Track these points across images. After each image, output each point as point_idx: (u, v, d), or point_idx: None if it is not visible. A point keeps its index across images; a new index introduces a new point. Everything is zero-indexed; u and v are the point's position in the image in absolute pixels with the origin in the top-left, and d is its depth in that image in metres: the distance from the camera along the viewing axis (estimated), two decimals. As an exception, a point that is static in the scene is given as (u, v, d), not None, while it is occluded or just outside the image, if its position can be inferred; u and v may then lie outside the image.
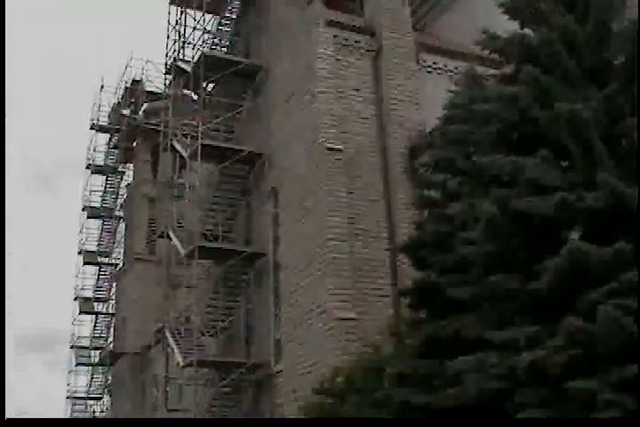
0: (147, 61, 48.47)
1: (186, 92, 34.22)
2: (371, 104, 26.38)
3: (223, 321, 29.17)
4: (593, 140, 14.82)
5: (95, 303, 51.21)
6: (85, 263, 50.85)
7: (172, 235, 31.36)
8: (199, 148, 29.03)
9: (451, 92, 19.30)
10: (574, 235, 15.20)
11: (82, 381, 50.66)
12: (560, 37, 15.74)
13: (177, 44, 33.40)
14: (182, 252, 29.55)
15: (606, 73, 16.04)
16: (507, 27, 17.90)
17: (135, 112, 49.67)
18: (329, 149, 24.34)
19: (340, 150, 24.50)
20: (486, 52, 18.20)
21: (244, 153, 29.40)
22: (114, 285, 51.11)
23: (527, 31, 17.06)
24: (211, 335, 29.23)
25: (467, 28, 29.45)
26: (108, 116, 50.88)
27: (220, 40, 34.25)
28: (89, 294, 51.01)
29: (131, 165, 51.33)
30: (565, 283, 14.09)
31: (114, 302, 50.86)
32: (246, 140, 30.66)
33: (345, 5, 34.02)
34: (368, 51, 27.39)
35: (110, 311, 51.02)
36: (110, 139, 51.14)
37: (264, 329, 27.86)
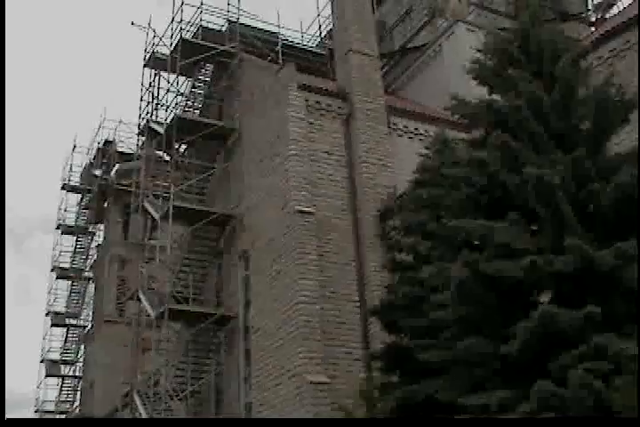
0: (120, 122, 48.69)
1: (158, 153, 34.37)
2: (342, 167, 26.63)
3: (193, 384, 28.78)
4: (561, 204, 15.02)
5: (62, 366, 50.36)
6: (53, 325, 50.17)
7: (141, 297, 31.09)
8: (170, 209, 29.02)
9: (421, 155, 19.59)
10: (544, 298, 15.33)
11: (47, 447, 49.44)
12: (527, 104, 16.08)
13: (150, 105, 33.69)
14: (152, 314, 29.27)
15: (573, 138, 16.37)
16: (476, 91, 18.31)
17: (107, 173, 49.67)
18: (300, 211, 24.44)
19: (310, 213, 24.59)
20: (456, 116, 18.56)
21: (215, 215, 29.41)
22: (82, 347, 50.37)
23: (496, 97, 17.43)
24: (180, 399, 28.78)
25: (438, 92, 30.06)
26: (80, 177, 50.86)
27: (193, 102, 34.53)
28: (56, 356, 50.21)
29: (101, 226, 51.08)
30: (536, 347, 14.13)
31: (81, 364, 50.04)
32: (218, 202, 30.74)
33: (317, 69, 34.62)
34: (340, 114, 27.75)
35: (77, 374, 50.15)
36: (81, 199, 51.03)
37: (234, 393, 27.51)
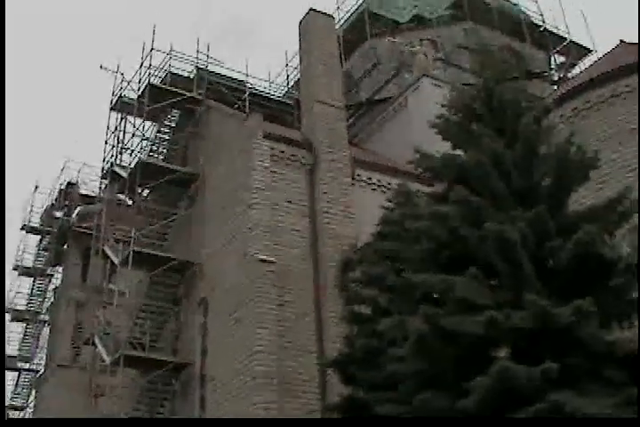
0: (83, 164, 48.36)
1: (121, 196, 34.17)
2: (304, 217, 26.64)
3: (146, 433, 28.21)
4: (521, 260, 15.13)
5: (11, 412, 49.17)
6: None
7: (97, 342, 30.60)
8: (131, 254, 28.76)
9: (384, 208, 19.65)
10: (502, 353, 15.31)
11: None
12: (490, 160, 16.27)
13: (115, 149, 33.57)
14: (107, 360, 28.79)
15: (534, 195, 16.56)
16: (440, 146, 18.50)
17: (68, 215, 49.20)
18: (260, 260, 24.34)
19: (271, 262, 24.50)
20: (419, 170, 18.69)
21: (175, 261, 29.17)
22: (33, 392, 49.28)
23: (459, 152, 17.62)
24: (132, 448, 28.20)
25: (402, 145, 30.27)
26: (41, 218, 50.31)
27: (157, 147, 34.49)
28: (5, 401, 49.03)
29: (60, 268, 50.44)
30: (494, 402, 14.07)
31: (32, 410, 48.91)
32: (179, 249, 30.50)
33: (283, 119, 34.82)
34: (304, 164, 27.86)
35: (27, 420, 48.98)
36: (41, 241, 50.39)
37: (188, 443, 27.01)
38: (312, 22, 32.43)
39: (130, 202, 33.83)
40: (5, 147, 30.50)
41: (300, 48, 33.21)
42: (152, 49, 33.46)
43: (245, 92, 33.69)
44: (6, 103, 32.38)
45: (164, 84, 32.63)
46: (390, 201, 20.14)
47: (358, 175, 28.72)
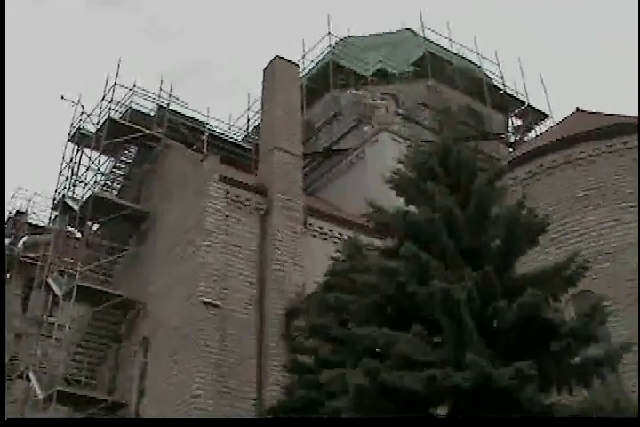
0: (35, 193, 47.79)
1: (70, 229, 33.75)
2: (253, 262, 26.54)
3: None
4: (465, 319, 15.12)
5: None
6: None
7: (31, 376, 29.90)
8: (75, 288, 28.32)
9: (333, 259, 19.62)
10: (442, 411, 15.25)
11: None
12: (442, 218, 16.35)
13: (68, 180, 33.24)
14: (40, 395, 28.12)
15: (482, 255, 16.63)
16: (394, 200, 18.59)
17: (14, 243, 48.43)
18: (205, 303, 24.12)
19: (216, 306, 24.29)
20: (372, 223, 18.74)
21: (119, 298, 28.78)
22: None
23: (412, 208, 17.70)
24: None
25: (356, 197, 30.36)
26: (-14, 246, 49.44)
27: (112, 182, 34.27)
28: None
29: (1, 298, 49.43)
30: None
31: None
32: (124, 286, 30.11)
33: (240, 163, 34.87)
34: (257, 209, 27.85)
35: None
36: (-17, 268, 49.46)
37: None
38: (277, 69, 32.71)
39: (79, 235, 33.38)
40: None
41: (262, 93, 33.42)
42: (115, 83, 33.47)
43: (205, 134, 33.72)
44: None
45: (124, 120, 32.53)
46: (340, 252, 20.13)
47: (310, 224, 28.75)
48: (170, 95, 34.46)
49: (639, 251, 21.75)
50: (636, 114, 26.96)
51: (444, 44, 45.43)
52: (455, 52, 45.25)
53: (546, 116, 44.06)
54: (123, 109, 33.59)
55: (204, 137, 33.35)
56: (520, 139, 43.30)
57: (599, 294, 19.52)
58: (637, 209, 22.70)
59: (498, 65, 45.66)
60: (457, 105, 39.94)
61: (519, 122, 45.02)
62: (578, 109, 29.67)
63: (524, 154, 26.38)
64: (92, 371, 29.31)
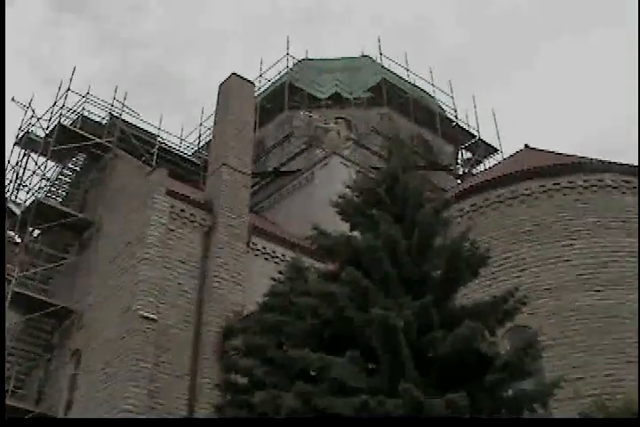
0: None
1: (10, 233, 33.19)
2: (193, 278, 26.34)
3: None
4: (401, 347, 15.17)
5: None
6: None
7: (-44, 383, 29.22)
8: (9, 294, 27.77)
9: (274, 279, 19.58)
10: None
11: None
12: (385, 245, 16.42)
13: (12, 184, 32.75)
14: (-37, 403, 27.45)
15: (423, 285, 16.73)
16: (340, 224, 18.63)
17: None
18: (142, 317, 23.83)
19: (153, 320, 24.00)
20: (315, 246, 18.74)
21: (55, 307, 28.30)
22: None
23: (356, 234, 17.76)
24: None
25: (302, 219, 30.43)
26: None
27: (57, 189, 33.83)
28: None
29: None
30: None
31: None
32: (61, 295, 29.65)
33: (188, 177, 34.72)
34: (202, 225, 27.70)
35: None
36: None
37: None
38: (232, 86, 32.72)
39: (18, 240, 32.82)
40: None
41: (216, 109, 33.36)
42: (68, 89, 33.15)
43: (155, 146, 33.54)
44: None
45: (75, 127, 32.19)
46: (281, 273, 20.11)
47: (254, 243, 28.68)
48: (123, 105, 34.27)
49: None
50: (580, 155, 27.51)
51: (401, 72, 45.93)
52: (411, 81, 45.71)
53: (495, 150, 44.62)
54: (74, 116, 33.26)
55: (154, 149, 33.18)
56: (468, 171, 43.75)
57: (535, 329, 19.78)
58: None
59: (452, 97, 46.25)
60: (409, 134, 40.28)
61: (469, 155, 45.53)
62: (527, 146, 30.13)
63: (470, 187, 26.68)
64: (20, 380, 28.72)
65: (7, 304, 27.79)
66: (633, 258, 23.21)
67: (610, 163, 25.81)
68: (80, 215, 30.60)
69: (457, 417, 14.69)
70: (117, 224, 28.42)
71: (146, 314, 23.94)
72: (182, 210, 27.43)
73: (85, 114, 33.30)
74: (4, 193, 28.64)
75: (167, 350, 24.41)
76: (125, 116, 34.15)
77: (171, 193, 27.23)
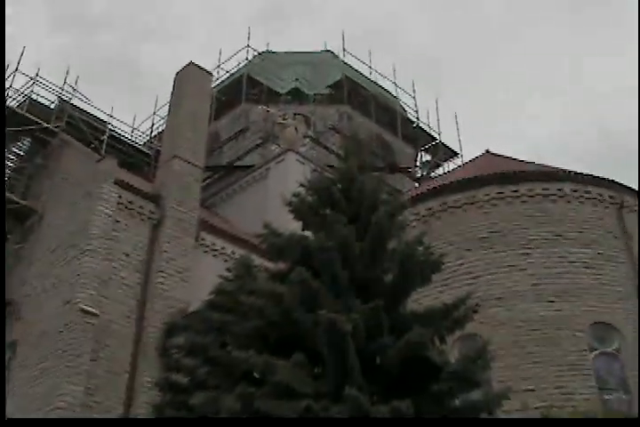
0: None
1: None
2: (138, 272, 26.16)
3: None
4: (349, 352, 15.15)
5: None
6: None
7: None
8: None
9: (221, 277, 19.44)
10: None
11: None
12: (337, 246, 16.38)
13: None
14: None
15: (374, 289, 16.71)
16: (292, 223, 18.59)
17: None
18: (82, 310, 23.60)
19: (93, 314, 23.78)
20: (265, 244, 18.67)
21: (-9, 296, 27.91)
22: None
23: (308, 234, 17.73)
24: None
25: (254, 216, 30.41)
26: None
27: (-2, 175, 33.32)
28: None
29: None
30: None
31: None
32: (-1, 284, 29.25)
33: (139, 168, 34.45)
34: (149, 218, 27.51)
35: None
36: None
37: None
38: (189, 76, 32.57)
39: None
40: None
41: (171, 99, 33.15)
42: (16, 69, 32.68)
43: (105, 134, 33.22)
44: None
45: (21, 110, 31.72)
46: (229, 271, 19.97)
47: (203, 239, 28.58)
48: (74, 89, 33.88)
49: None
50: (541, 162, 27.82)
51: (363, 70, 46.07)
52: (373, 80, 45.87)
53: (456, 154, 44.95)
54: (21, 98, 32.77)
55: (104, 137, 32.87)
56: (427, 174, 44.03)
57: (485, 338, 19.92)
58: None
59: (414, 98, 46.47)
60: (368, 133, 40.41)
61: (428, 157, 45.79)
62: (487, 151, 30.41)
63: (428, 190, 26.86)
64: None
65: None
66: (588, 269, 23.57)
67: (570, 172, 26.12)
68: (23, 202, 30.19)
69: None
70: (61, 213, 28.09)
71: (86, 308, 23.71)
72: (130, 201, 27.22)
73: (33, 97, 32.82)
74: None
75: (106, 347, 24.20)
76: (75, 101, 33.82)
77: (119, 183, 27.01)
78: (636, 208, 25.64)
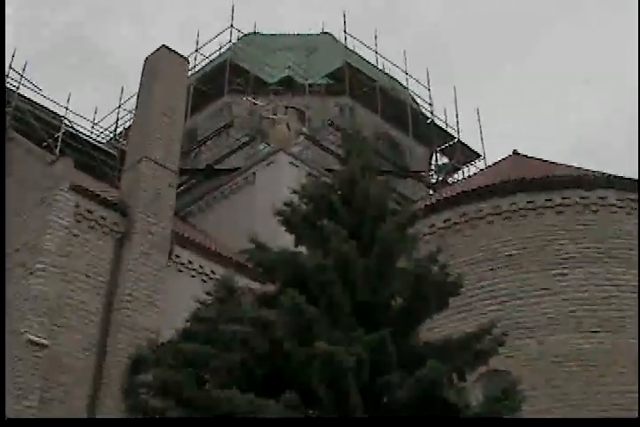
0: None
1: None
2: (99, 296, 26.07)
3: None
4: (350, 391, 15.16)
5: None
6: None
7: None
8: None
9: (199, 302, 19.42)
10: None
11: None
12: (336, 265, 16.38)
13: None
14: None
15: (380, 315, 16.75)
16: (284, 237, 18.60)
17: None
18: (30, 342, 23.48)
19: (43, 346, 23.66)
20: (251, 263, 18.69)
21: None
22: None
23: (302, 249, 17.74)
24: None
25: (239, 229, 30.38)
26: None
27: None
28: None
29: None
30: None
31: None
32: None
33: (100, 171, 34.42)
34: (114, 231, 27.45)
35: None
36: None
37: None
38: (161, 62, 32.55)
39: None
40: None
41: (139, 89, 33.16)
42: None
43: (60, 130, 33.21)
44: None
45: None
46: (209, 294, 19.97)
47: (177, 256, 28.56)
48: (21, 76, 33.81)
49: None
50: (577, 165, 27.81)
51: (368, 55, 46.11)
52: (380, 67, 45.91)
53: (477, 155, 44.96)
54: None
55: (59, 134, 32.85)
56: (443, 180, 44.01)
57: (513, 375, 19.89)
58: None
59: (428, 89, 46.45)
60: (373, 131, 40.44)
61: (445, 159, 45.80)
62: (515, 152, 30.37)
63: (445, 198, 26.86)
64: None
65: None
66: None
67: (614, 177, 26.02)
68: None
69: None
70: (7, 224, 28.04)
71: (34, 338, 23.56)
72: (90, 210, 27.13)
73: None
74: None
75: (61, 385, 24.11)
76: (24, 91, 33.75)
77: (77, 189, 26.88)
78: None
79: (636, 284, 23.60)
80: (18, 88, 33.41)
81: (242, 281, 20.28)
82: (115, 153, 36.03)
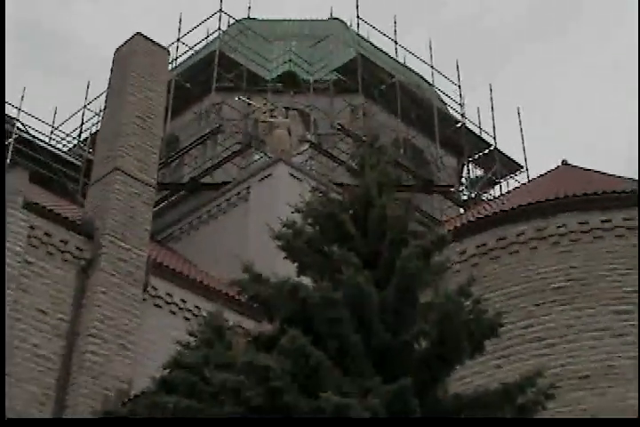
0: None
1: None
2: (59, 338, 26.05)
3: None
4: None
5: None
6: None
7: None
8: None
9: (180, 344, 19.38)
10: None
11: None
12: (348, 299, 16.37)
13: None
14: None
15: (401, 362, 16.71)
16: (283, 265, 18.57)
17: None
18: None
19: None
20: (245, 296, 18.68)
21: None
22: None
23: (306, 280, 17.72)
24: None
25: (229, 254, 30.33)
26: None
27: None
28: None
29: None
30: None
31: None
32: None
33: (61, 185, 34.49)
34: (77, 258, 27.47)
35: None
36: None
37: None
38: (135, 53, 32.60)
39: None
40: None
41: (109, 86, 33.22)
42: None
43: (11, 136, 33.31)
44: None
45: None
46: (193, 335, 19.97)
47: (154, 288, 28.55)
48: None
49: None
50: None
51: (386, 46, 46.17)
52: (399, 60, 45.92)
53: (519, 166, 44.93)
54: None
55: (10, 140, 32.94)
56: (477, 196, 43.97)
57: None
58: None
59: (458, 86, 46.51)
60: (392, 137, 40.46)
61: (479, 172, 45.80)
62: (564, 163, 30.34)
63: (479, 219, 26.80)
64: None
65: None
66: None
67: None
68: None
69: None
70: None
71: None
72: (48, 234, 27.15)
73: None
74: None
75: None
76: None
77: (32, 207, 26.93)
78: None
79: None
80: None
81: (233, 319, 20.34)
82: (79, 163, 36.11)
